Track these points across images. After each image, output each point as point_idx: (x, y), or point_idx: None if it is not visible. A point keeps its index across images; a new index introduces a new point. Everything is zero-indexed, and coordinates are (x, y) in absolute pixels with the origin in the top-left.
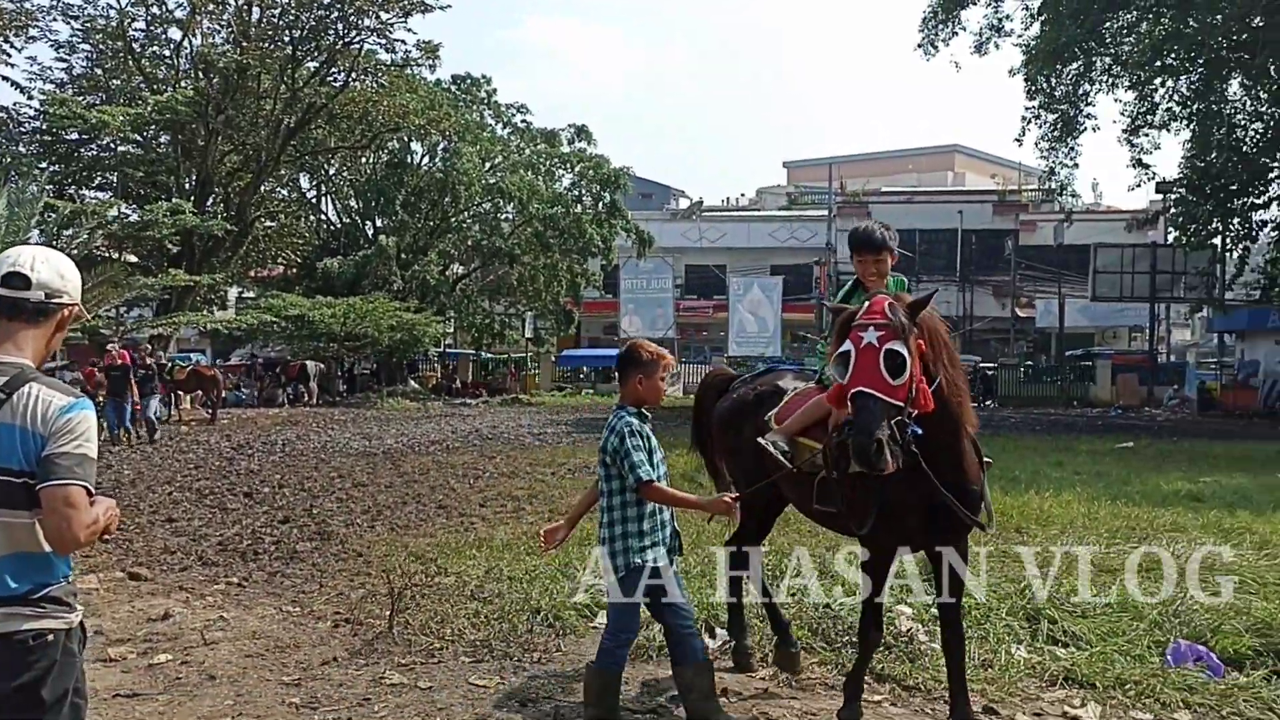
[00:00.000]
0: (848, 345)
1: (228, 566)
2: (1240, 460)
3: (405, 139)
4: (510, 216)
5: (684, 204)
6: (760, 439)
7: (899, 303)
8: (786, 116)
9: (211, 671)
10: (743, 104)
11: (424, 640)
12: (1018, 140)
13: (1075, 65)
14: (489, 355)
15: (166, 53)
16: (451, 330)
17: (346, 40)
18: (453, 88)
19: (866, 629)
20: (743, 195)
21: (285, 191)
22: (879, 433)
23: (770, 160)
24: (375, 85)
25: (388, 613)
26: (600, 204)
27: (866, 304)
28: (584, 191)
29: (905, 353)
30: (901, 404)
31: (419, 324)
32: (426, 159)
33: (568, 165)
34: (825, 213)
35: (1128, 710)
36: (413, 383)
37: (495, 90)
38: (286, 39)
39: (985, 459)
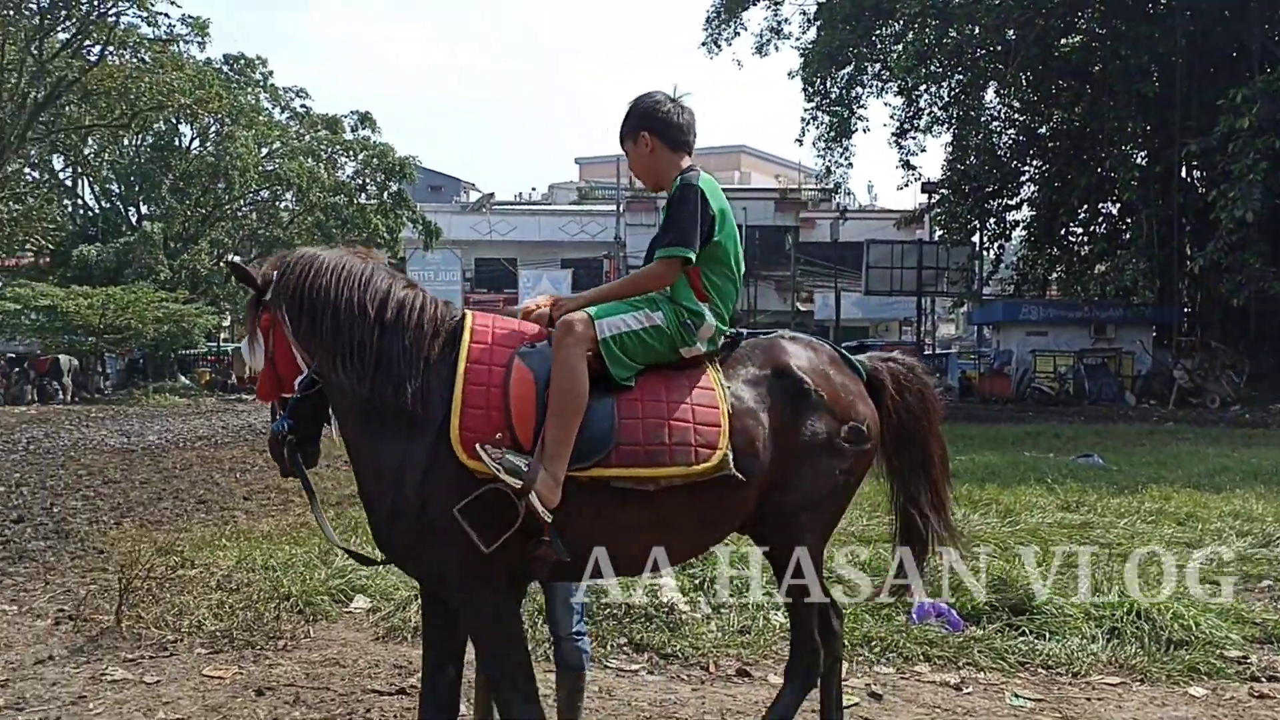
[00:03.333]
0: None
1: None
2: (992, 440)
3: (172, 120)
4: (290, 205)
5: (475, 197)
6: None
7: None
8: (581, 116)
9: None
10: (536, 102)
11: (156, 634)
12: (798, 140)
13: (848, 69)
14: None
15: None
16: (228, 324)
17: (101, 10)
18: (225, 68)
19: None
20: (534, 190)
21: (35, 172)
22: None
23: (563, 158)
24: (136, 61)
25: (116, 607)
26: (385, 194)
27: None
28: (368, 180)
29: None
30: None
31: (189, 315)
32: (197, 142)
33: (350, 153)
34: (614, 207)
35: (873, 665)
36: (183, 378)
37: (272, 73)
38: (33, 6)
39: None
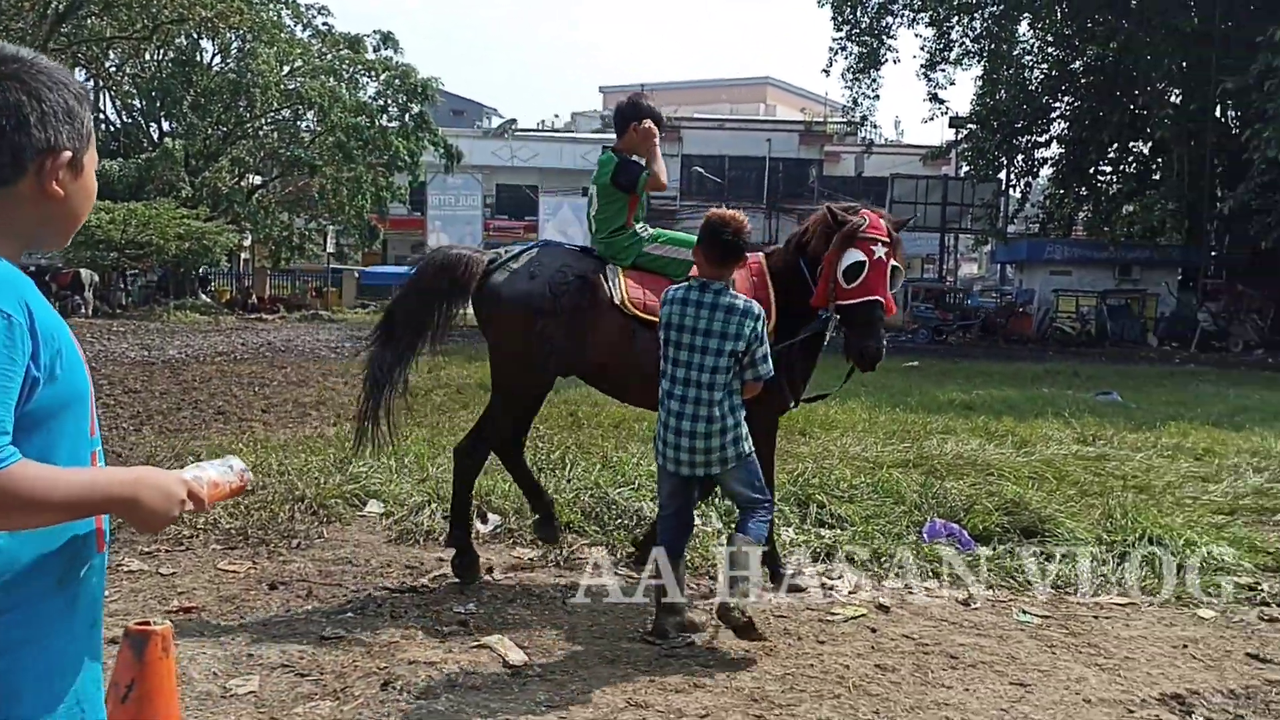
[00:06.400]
0: (859, 255)
1: None
2: (1011, 377)
3: (194, 34)
4: (311, 125)
5: (496, 123)
6: None
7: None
8: (606, 47)
9: None
10: (562, 31)
11: (172, 530)
12: (825, 71)
13: None
14: (287, 269)
15: None
16: (248, 243)
17: None
18: None
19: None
20: (557, 118)
21: None
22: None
23: (587, 86)
24: None
25: None
26: (407, 115)
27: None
28: (390, 102)
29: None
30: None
31: (210, 234)
32: (218, 59)
33: (373, 73)
34: None
35: (881, 580)
36: (204, 296)
37: None
38: None
39: None
